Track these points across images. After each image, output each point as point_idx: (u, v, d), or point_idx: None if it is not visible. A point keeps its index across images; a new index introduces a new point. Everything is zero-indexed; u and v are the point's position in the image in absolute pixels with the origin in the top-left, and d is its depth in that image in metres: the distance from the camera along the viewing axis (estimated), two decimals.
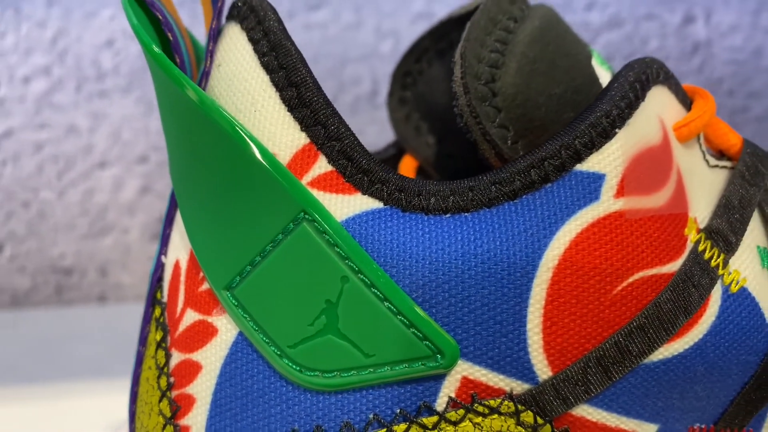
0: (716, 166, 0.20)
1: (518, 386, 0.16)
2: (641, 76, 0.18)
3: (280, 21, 0.17)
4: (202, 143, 0.16)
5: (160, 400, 0.17)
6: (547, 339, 0.16)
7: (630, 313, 0.17)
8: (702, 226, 0.18)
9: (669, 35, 0.55)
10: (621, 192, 0.17)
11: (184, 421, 0.17)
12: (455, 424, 0.16)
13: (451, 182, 0.16)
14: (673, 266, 0.17)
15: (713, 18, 0.55)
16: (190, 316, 0.17)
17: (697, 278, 0.17)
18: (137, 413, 0.18)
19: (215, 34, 0.18)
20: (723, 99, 0.57)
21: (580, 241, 0.16)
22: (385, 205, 0.16)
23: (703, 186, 0.19)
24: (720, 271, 0.18)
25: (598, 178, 0.16)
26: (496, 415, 0.16)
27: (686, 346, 0.17)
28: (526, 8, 0.19)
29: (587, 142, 0.16)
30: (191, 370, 0.17)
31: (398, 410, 0.16)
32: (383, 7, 0.52)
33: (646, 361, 0.17)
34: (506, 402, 0.16)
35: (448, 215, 0.16)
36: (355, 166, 0.16)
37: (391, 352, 0.16)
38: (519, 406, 0.16)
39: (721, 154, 0.20)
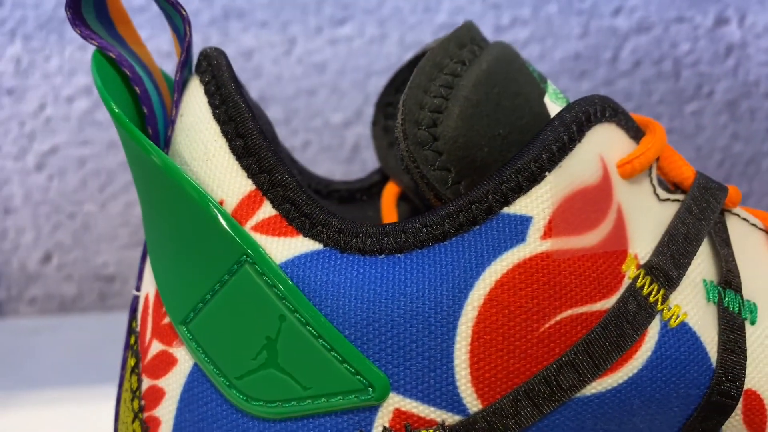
0: (667, 199, 0.20)
1: (450, 418, 0.17)
2: (579, 117, 0.18)
3: (232, 75, 0.18)
4: (160, 193, 0.17)
5: (133, 421, 0.19)
6: (474, 374, 0.17)
7: (559, 350, 0.17)
8: (643, 261, 0.19)
9: (701, 38, 0.54)
10: (548, 233, 0.17)
11: None
12: None
13: (387, 224, 0.17)
14: (606, 303, 0.18)
15: (747, 19, 0.53)
16: (156, 346, 0.19)
17: (633, 314, 0.18)
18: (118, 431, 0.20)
19: (180, 86, 0.19)
20: (760, 101, 0.55)
21: (505, 281, 0.17)
22: (324, 246, 0.17)
23: (650, 221, 0.19)
24: (659, 307, 0.18)
25: (524, 221, 0.17)
26: None
27: (621, 381, 0.18)
28: (479, 49, 0.20)
29: (514, 187, 0.17)
30: (157, 395, 0.19)
31: None
32: (407, 20, 0.53)
33: (578, 395, 0.18)
34: None
35: (382, 256, 0.17)
36: (298, 210, 0.17)
37: (326, 385, 0.17)
38: None
39: (676, 187, 0.21)
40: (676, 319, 0.19)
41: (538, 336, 0.17)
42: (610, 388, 0.18)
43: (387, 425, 0.17)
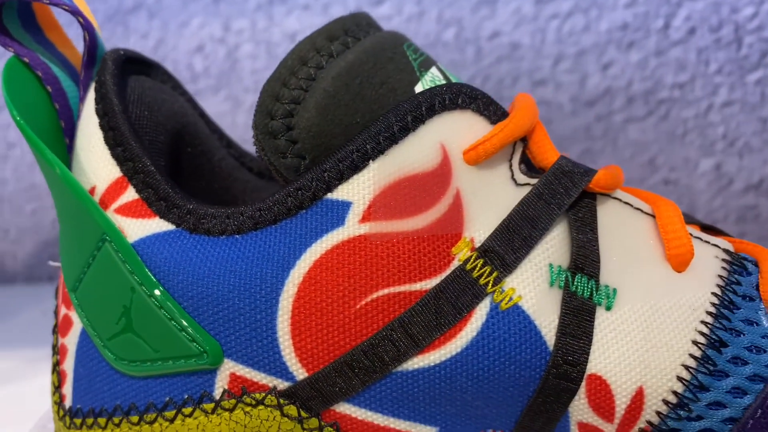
0: (526, 184, 0.20)
1: (280, 384, 0.19)
2: (419, 108, 0.19)
3: (113, 73, 0.21)
4: (51, 182, 0.20)
5: (52, 373, 0.22)
6: (297, 345, 0.19)
7: (377, 326, 0.19)
8: (479, 245, 0.19)
9: (766, 1, 0.50)
10: (367, 218, 0.18)
11: (63, 390, 0.22)
12: (230, 411, 0.19)
13: (231, 208, 0.19)
14: (428, 284, 0.19)
15: None
16: (63, 310, 0.22)
17: (456, 295, 0.19)
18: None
19: (85, 85, 0.22)
20: None
21: (323, 261, 0.18)
22: (177, 227, 0.19)
23: (499, 206, 0.20)
24: (489, 289, 0.19)
25: (345, 206, 0.18)
26: (262, 406, 0.19)
27: (443, 358, 0.19)
28: (354, 41, 0.21)
29: (336, 175, 0.18)
30: (63, 351, 0.22)
31: (186, 396, 0.19)
32: None
33: (400, 369, 0.19)
34: (270, 396, 0.19)
35: (224, 236, 0.19)
36: (156, 195, 0.20)
37: (170, 350, 0.19)
38: (281, 400, 0.19)
39: (543, 171, 0.21)
40: (508, 301, 0.19)
41: (355, 312, 0.18)
42: (433, 364, 0.19)
43: (226, 387, 0.19)
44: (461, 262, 0.19)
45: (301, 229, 0.18)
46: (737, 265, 0.22)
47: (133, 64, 0.23)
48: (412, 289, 0.19)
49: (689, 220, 0.25)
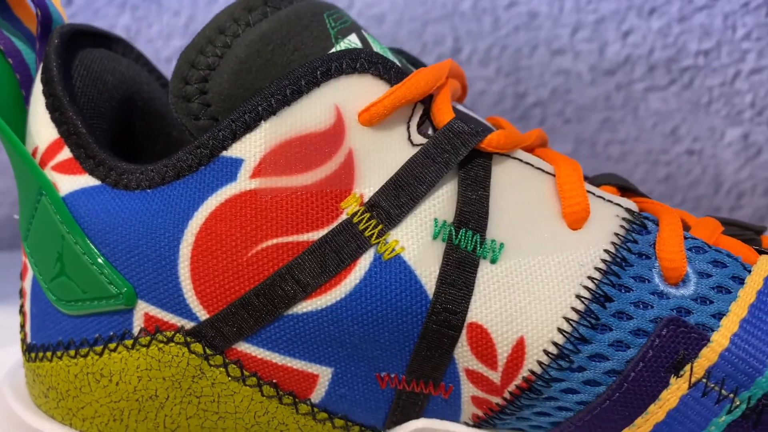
0: (422, 144, 0.21)
1: (187, 323, 0.21)
2: (314, 72, 0.21)
3: (57, 46, 0.23)
4: (5, 144, 0.23)
5: (19, 313, 0.25)
6: (197, 288, 0.21)
7: (267, 272, 0.20)
8: (367, 200, 0.21)
9: None
10: (257, 174, 0.20)
11: (26, 329, 0.25)
12: (146, 347, 0.21)
13: (147, 165, 0.21)
14: (315, 235, 0.20)
15: None
16: (23, 258, 0.25)
17: (341, 245, 0.20)
18: None
19: (40, 56, 0.24)
20: None
21: (217, 213, 0.20)
22: (102, 183, 0.22)
23: (392, 164, 0.21)
24: (374, 240, 0.20)
25: (237, 163, 0.20)
26: (172, 344, 0.21)
27: (330, 303, 0.20)
28: (273, 10, 0.23)
29: (229, 134, 0.20)
30: (24, 293, 0.25)
31: (111, 333, 0.22)
32: None
33: (291, 312, 0.21)
34: (178, 334, 0.21)
35: (138, 191, 0.21)
36: (86, 154, 0.22)
37: (94, 291, 0.21)
38: (188, 338, 0.21)
39: None
40: (391, 252, 0.20)
41: (247, 260, 0.20)
42: (320, 308, 0.20)
43: (142, 326, 0.21)
44: (349, 216, 0.20)
45: (199, 183, 0.20)
46: (637, 224, 0.22)
47: (92, 38, 0.25)
48: (299, 240, 0.20)
49: (619, 185, 0.25)
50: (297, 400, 0.22)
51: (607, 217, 0.22)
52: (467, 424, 0.23)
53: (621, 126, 0.56)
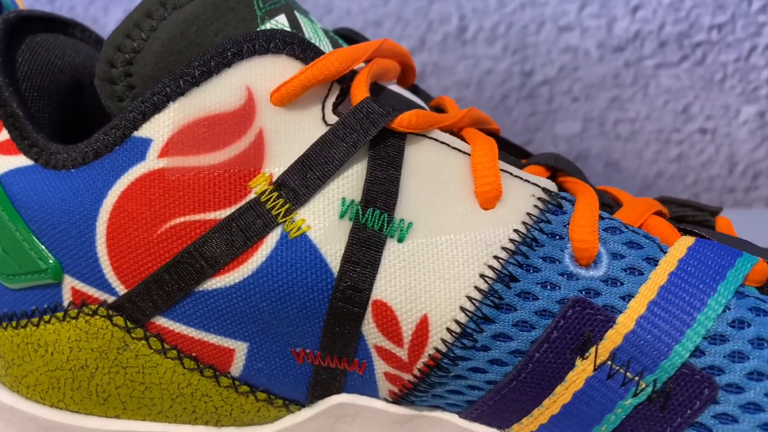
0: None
1: (109, 298, 0.22)
2: (225, 53, 0.21)
3: (2, 36, 0.24)
4: None
5: None
6: (114, 264, 0.21)
7: (176, 249, 0.21)
8: (276, 179, 0.21)
9: None
10: (165, 153, 0.21)
11: None
12: (75, 319, 0.23)
13: (72, 145, 0.22)
14: (222, 213, 0.21)
15: None
16: None
17: (248, 224, 0.21)
18: None
19: None
20: None
21: (128, 192, 0.21)
22: (35, 163, 0.23)
23: (304, 144, 0.21)
24: (280, 219, 0.21)
25: (146, 143, 0.21)
26: (97, 316, 0.22)
27: (237, 280, 0.21)
28: None
29: (140, 115, 0.21)
30: None
31: (45, 305, 0.23)
32: None
33: (201, 288, 0.21)
34: (101, 308, 0.22)
35: (64, 170, 0.22)
36: (21, 135, 0.23)
37: (27, 266, 0.23)
38: (110, 312, 0.22)
39: None
40: (297, 231, 0.21)
41: (157, 237, 0.21)
42: (229, 285, 0.21)
43: (71, 299, 0.23)
44: (257, 195, 0.21)
45: (113, 163, 0.21)
46: (553, 204, 0.22)
47: (45, 23, 0.26)
48: (206, 218, 0.21)
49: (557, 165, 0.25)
50: (217, 373, 0.23)
51: (521, 197, 0.22)
52: (387, 401, 0.23)
53: (631, 104, 0.55)
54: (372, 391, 0.23)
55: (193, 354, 0.22)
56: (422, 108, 0.25)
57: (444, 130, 0.23)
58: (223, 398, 0.23)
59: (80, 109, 0.27)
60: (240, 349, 0.22)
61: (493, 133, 0.27)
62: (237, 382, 0.23)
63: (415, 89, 0.29)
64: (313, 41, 0.23)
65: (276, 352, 0.22)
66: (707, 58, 0.53)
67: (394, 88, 0.25)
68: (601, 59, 0.54)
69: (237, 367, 0.22)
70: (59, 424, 0.24)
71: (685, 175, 0.56)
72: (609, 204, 0.24)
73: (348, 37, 0.27)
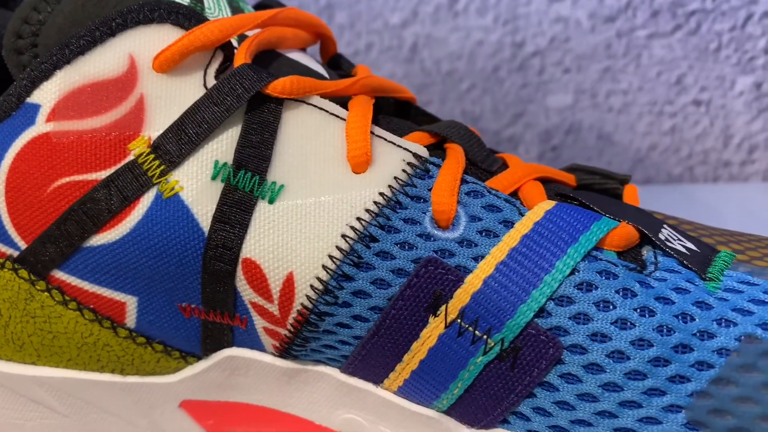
0: None
1: (14, 252, 0.24)
2: (109, 24, 0.22)
3: None
4: None
5: None
6: (13, 221, 0.23)
7: (63, 207, 0.23)
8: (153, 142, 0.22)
9: None
10: (51, 117, 0.22)
11: None
12: None
13: None
14: (102, 174, 0.22)
15: None
16: None
17: (124, 184, 0.22)
18: None
19: None
20: None
21: (22, 154, 0.23)
22: None
23: (183, 109, 0.22)
24: (155, 180, 0.22)
25: (36, 108, 0.22)
26: (5, 269, 0.24)
27: (117, 237, 0.22)
28: None
29: (29, 82, 0.22)
30: None
31: None
32: None
33: (88, 244, 0.23)
34: (8, 261, 0.24)
35: None
36: None
37: None
38: (15, 265, 0.24)
39: None
40: (170, 191, 0.22)
41: (47, 196, 0.23)
42: (111, 241, 0.23)
43: None
44: (135, 157, 0.22)
45: (10, 127, 0.23)
46: (421, 169, 0.22)
47: None
48: (89, 178, 0.22)
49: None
50: (115, 324, 0.24)
51: (391, 162, 0.22)
52: (274, 355, 0.24)
53: (623, 75, 0.54)
54: (258, 345, 0.24)
55: (91, 306, 0.24)
56: (322, 76, 0.25)
57: (333, 96, 0.24)
58: (123, 348, 0.25)
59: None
60: (131, 302, 0.24)
61: (407, 103, 0.28)
62: (134, 334, 0.24)
63: (337, 59, 0.29)
64: (212, 11, 0.24)
65: (164, 306, 0.24)
66: (701, 27, 0.51)
67: (295, 55, 0.26)
68: (593, 29, 0.53)
69: (131, 320, 0.24)
70: None
71: (679, 148, 0.55)
72: (492, 171, 0.24)
73: (269, 6, 0.28)
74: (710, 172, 0.54)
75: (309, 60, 0.26)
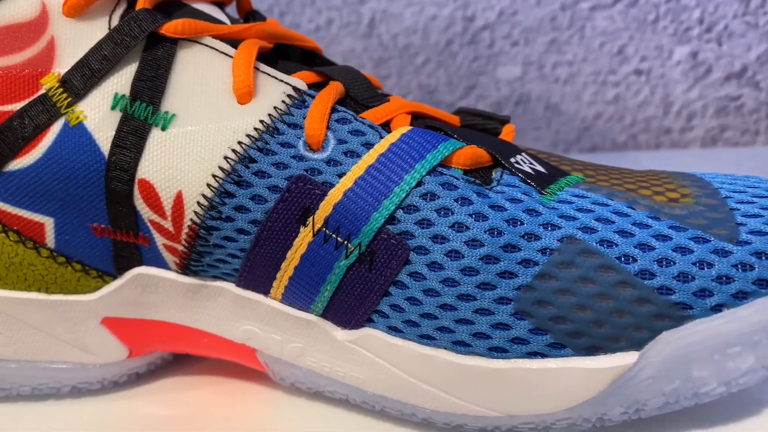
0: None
1: None
2: None
3: None
4: None
5: None
6: None
7: None
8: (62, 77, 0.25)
9: None
10: None
11: None
12: None
13: None
14: (17, 106, 0.25)
15: None
16: None
17: (36, 114, 0.25)
18: None
19: None
20: None
21: None
22: None
23: (89, 48, 0.25)
24: (63, 111, 0.25)
25: None
26: None
27: (31, 162, 0.25)
28: None
29: None
30: None
31: None
32: None
33: (7, 169, 0.26)
34: None
35: None
36: None
37: None
38: None
39: None
40: (76, 120, 0.25)
41: None
42: (26, 166, 0.26)
43: None
44: (46, 91, 0.25)
45: None
46: (299, 100, 0.25)
47: None
48: (5, 110, 0.25)
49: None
50: (37, 244, 0.27)
51: (272, 94, 0.25)
52: (177, 272, 0.27)
53: (568, 47, 0.56)
54: (163, 263, 0.27)
55: (15, 228, 0.27)
56: (223, 23, 0.28)
57: (227, 38, 0.27)
58: (46, 267, 0.28)
59: None
60: (48, 223, 0.27)
61: (312, 52, 0.31)
62: (54, 254, 0.27)
63: (254, 15, 0.32)
64: None
65: (77, 227, 0.27)
66: None
67: (202, 6, 0.28)
68: (539, 3, 0.56)
69: (50, 240, 0.27)
70: None
71: (623, 116, 0.57)
72: (368, 105, 0.27)
73: None
74: (652, 140, 0.57)
75: (215, 10, 0.29)
